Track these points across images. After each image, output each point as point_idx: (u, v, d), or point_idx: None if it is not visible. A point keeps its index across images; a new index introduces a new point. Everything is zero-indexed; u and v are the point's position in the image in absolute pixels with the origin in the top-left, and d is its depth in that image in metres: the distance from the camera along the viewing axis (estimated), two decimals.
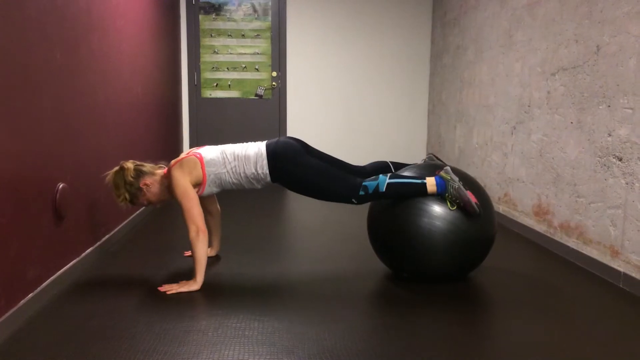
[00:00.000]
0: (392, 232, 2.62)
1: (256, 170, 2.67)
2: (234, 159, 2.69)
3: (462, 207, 2.50)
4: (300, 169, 2.63)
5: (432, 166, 2.72)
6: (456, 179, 2.52)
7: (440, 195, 2.53)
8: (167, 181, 2.73)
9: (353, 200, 2.60)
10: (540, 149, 3.57)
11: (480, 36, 4.62)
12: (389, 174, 2.59)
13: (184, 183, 2.62)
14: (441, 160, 2.77)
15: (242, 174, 2.68)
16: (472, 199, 2.49)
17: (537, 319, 2.28)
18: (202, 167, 2.66)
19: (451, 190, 2.49)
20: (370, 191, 2.57)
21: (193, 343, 2.02)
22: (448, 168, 2.57)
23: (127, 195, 2.70)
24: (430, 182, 2.53)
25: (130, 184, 2.68)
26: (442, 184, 2.51)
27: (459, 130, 5.17)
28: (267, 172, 2.66)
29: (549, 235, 3.45)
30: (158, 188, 2.75)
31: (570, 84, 3.22)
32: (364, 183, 2.58)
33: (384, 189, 2.55)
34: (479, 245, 2.59)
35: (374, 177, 2.60)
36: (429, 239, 2.52)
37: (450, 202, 2.52)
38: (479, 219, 2.53)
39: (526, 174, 3.77)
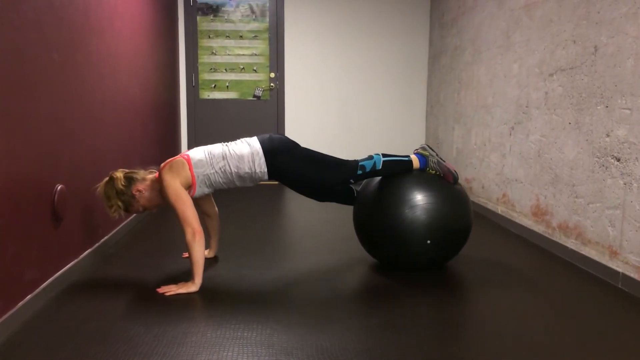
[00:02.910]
0: (375, 223, 2.82)
1: (252, 169, 2.67)
2: (223, 159, 2.67)
3: (442, 177, 2.84)
4: (299, 163, 2.72)
5: None
6: (434, 153, 2.87)
7: (423, 170, 2.85)
8: (159, 185, 2.72)
9: (351, 180, 2.79)
10: (539, 149, 3.57)
11: (478, 37, 4.62)
12: (380, 153, 2.83)
13: (175, 185, 2.60)
14: (434, 151, 2.96)
15: (233, 174, 2.67)
16: (451, 167, 2.86)
17: (536, 319, 2.28)
18: (190, 169, 2.65)
19: (432, 164, 2.84)
20: (368, 170, 2.79)
21: (192, 344, 2.01)
22: (425, 145, 2.91)
23: (120, 204, 2.66)
24: (415, 160, 2.85)
25: (122, 192, 2.65)
26: (423, 160, 2.85)
27: (457, 131, 5.17)
28: (265, 170, 2.67)
29: (547, 235, 3.45)
30: (151, 193, 2.73)
31: (568, 85, 3.22)
32: (360, 163, 2.78)
33: (381, 167, 2.79)
34: (457, 233, 2.82)
35: (367, 157, 2.83)
36: (410, 228, 2.72)
37: (431, 171, 2.86)
38: (456, 183, 2.88)
39: (524, 174, 3.78)
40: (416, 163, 2.84)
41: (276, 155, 2.68)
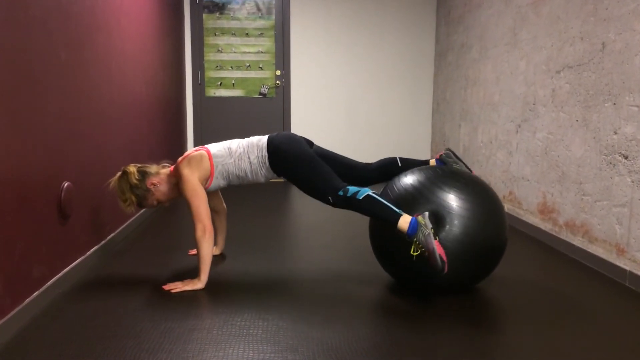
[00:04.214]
0: (395, 241, 2.44)
1: (259, 153, 2.71)
2: (239, 147, 2.74)
3: (425, 256, 2.27)
4: (292, 156, 2.64)
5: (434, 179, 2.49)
6: (429, 226, 2.27)
7: (408, 237, 2.32)
8: (175, 179, 2.74)
9: (330, 198, 2.54)
10: (546, 147, 3.56)
11: (485, 34, 4.60)
12: (374, 191, 2.49)
13: (193, 180, 2.63)
14: (458, 157, 2.68)
15: (246, 160, 2.71)
16: (439, 250, 2.22)
17: (542, 318, 2.27)
18: (210, 159, 2.69)
19: (420, 236, 2.26)
20: (349, 195, 2.47)
21: (198, 341, 2.02)
22: (426, 214, 2.33)
23: (134, 199, 2.69)
24: (405, 219, 2.34)
25: (136, 186, 2.67)
26: (414, 227, 2.30)
27: (463, 129, 5.15)
28: (267, 154, 2.69)
29: (554, 233, 3.44)
30: (166, 187, 2.75)
31: (576, 82, 3.20)
32: (348, 187, 2.51)
33: (361, 198, 2.44)
34: (488, 255, 2.41)
35: (361, 187, 2.55)
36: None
37: (414, 246, 2.30)
38: (440, 273, 2.22)
39: (531, 172, 3.76)
40: (404, 224, 2.34)
41: (276, 143, 2.69)
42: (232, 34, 6.07)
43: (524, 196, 3.87)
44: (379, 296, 2.52)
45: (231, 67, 6.10)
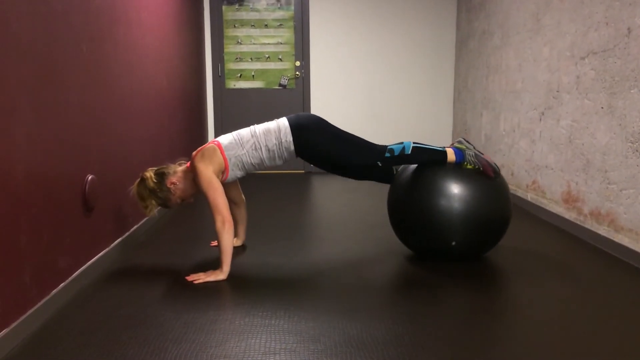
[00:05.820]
0: (412, 213, 2.73)
1: (278, 139, 2.70)
2: (252, 137, 2.72)
3: (481, 171, 2.69)
4: (326, 137, 2.70)
5: None
6: (471, 146, 2.74)
7: (459, 164, 2.72)
8: (192, 174, 2.75)
9: (378, 162, 2.73)
10: (570, 135, 3.49)
11: (507, 20, 4.53)
12: (412, 141, 2.74)
13: (207, 173, 2.64)
14: (471, 144, 2.86)
15: (262, 149, 2.71)
16: (490, 160, 2.72)
17: (567, 307, 2.25)
18: (221, 152, 2.69)
19: (469, 157, 2.70)
20: (396, 153, 2.72)
21: (220, 332, 2.04)
22: (462, 139, 2.80)
23: (154, 202, 2.72)
24: (450, 152, 2.73)
25: (155, 190, 2.69)
26: (459, 154, 2.72)
27: (485, 117, 5.09)
28: (291, 140, 2.70)
29: (579, 222, 3.38)
30: (184, 184, 2.77)
31: (601, 68, 3.13)
32: (389, 147, 2.73)
33: (409, 152, 2.72)
34: (496, 225, 2.70)
35: (397, 142, 2.72)
36: (448, 218, 2.63)
37: (467, 165, 2.72)
38: (498, 177, 2.74)
39: (555, 160, 3.70)
40: (451, 156, 2.73)
41: (302, 129, 2.70)
42: (252, 25, 6.07)
43: (548, 185, 3.81)
44: (400, 284, 2.51)
45: (251, 59, 6.11)
